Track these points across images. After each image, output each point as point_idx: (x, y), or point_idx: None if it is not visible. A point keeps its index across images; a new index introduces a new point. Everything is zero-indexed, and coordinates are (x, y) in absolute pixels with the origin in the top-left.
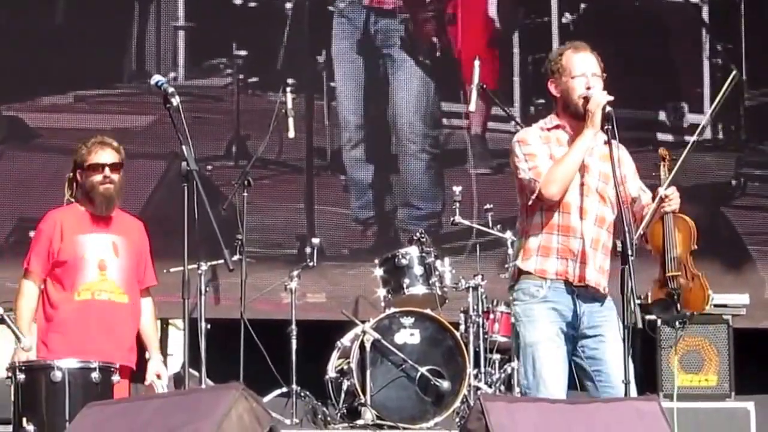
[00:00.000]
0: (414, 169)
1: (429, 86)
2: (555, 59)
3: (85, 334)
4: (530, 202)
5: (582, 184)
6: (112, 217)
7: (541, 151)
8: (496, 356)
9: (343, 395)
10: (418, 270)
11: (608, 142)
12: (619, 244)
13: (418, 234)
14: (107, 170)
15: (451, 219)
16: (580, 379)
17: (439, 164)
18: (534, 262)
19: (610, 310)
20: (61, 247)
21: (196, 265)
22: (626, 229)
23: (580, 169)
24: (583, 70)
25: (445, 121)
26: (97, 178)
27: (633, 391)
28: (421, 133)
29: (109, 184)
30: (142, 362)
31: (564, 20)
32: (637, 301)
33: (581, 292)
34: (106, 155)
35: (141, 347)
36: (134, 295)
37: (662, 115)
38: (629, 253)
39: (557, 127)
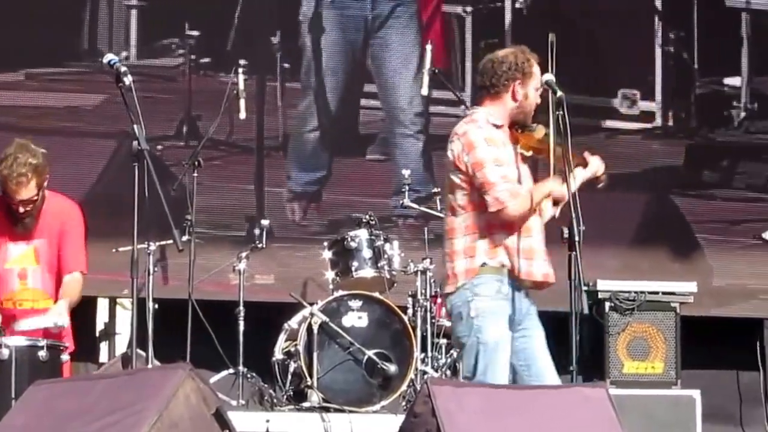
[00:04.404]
0: (410, 151)
1: (414, 68)
2: (525, 62)
3: None
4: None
5: (536, 181)
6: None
7: (506, 158)
8: (443, 341)
9: (289, 377)
10: (367, 253)
11: (561, 128)
12: (565, 230)
13: (367, 216)
14: (21, 208)
15: (401, 202)
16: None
17: (429, 146)
18: (502, 259)
19: (533, 301)
20: None
21: (145, 245)
22: (574, 215)
23: (532, 163)
24: (540, 84)
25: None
26: (17, 208)
27: (556, 378)
28: (415, 115)
29: (26, 215)
30: (84, 344)
31: (517, 5)
32: (584, 288)
33: (527, 289)
34: (23, 192)
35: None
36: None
37: (614, 102)
38: (576, 239)
39: (502, 126)
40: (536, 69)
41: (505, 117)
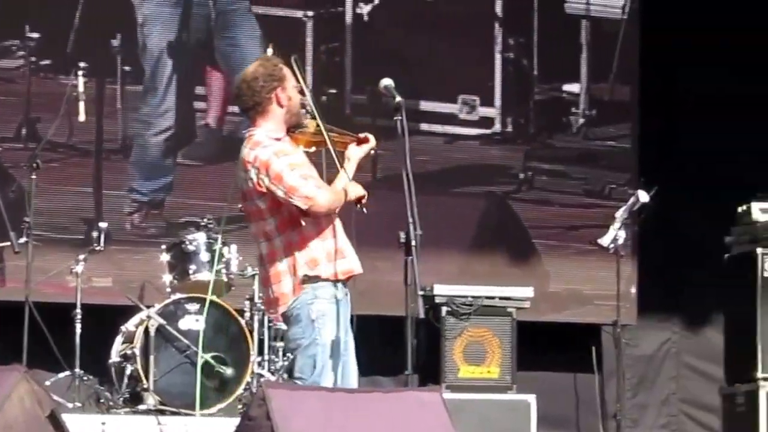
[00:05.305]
0: None
1: None
2: (275, 68)
3: None
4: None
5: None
6: None
7: (300, 161)
8: (280, 344)
9: (126, 380)
10: (204, 256)
11: (402, 133)
12: (402, 235)
13: (205, 220)
14: None
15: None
16: None
17: None
18: (325, 268)
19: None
20: None
21: None
22: (410, 219)
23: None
24: (295, 82)
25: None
26: None
27: (356, 381)
28: None
29: None
30: None
31: (358, 11)
32: (420, 292)
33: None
34: None
35: None
36: None
37: (453, 108)
38: (413, 243)
39: (282, 138)
40: (285, 69)
41: (281, 126)
